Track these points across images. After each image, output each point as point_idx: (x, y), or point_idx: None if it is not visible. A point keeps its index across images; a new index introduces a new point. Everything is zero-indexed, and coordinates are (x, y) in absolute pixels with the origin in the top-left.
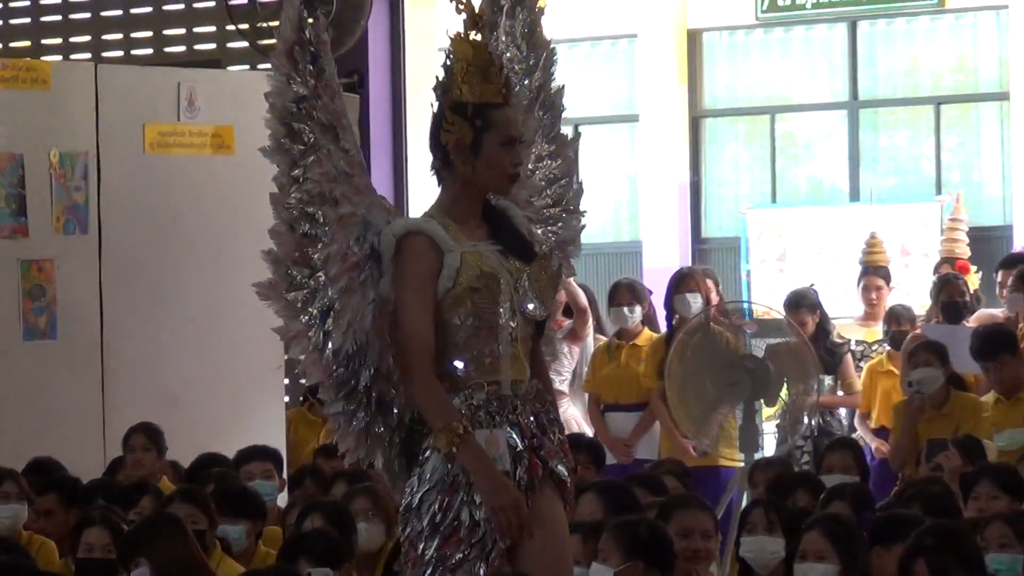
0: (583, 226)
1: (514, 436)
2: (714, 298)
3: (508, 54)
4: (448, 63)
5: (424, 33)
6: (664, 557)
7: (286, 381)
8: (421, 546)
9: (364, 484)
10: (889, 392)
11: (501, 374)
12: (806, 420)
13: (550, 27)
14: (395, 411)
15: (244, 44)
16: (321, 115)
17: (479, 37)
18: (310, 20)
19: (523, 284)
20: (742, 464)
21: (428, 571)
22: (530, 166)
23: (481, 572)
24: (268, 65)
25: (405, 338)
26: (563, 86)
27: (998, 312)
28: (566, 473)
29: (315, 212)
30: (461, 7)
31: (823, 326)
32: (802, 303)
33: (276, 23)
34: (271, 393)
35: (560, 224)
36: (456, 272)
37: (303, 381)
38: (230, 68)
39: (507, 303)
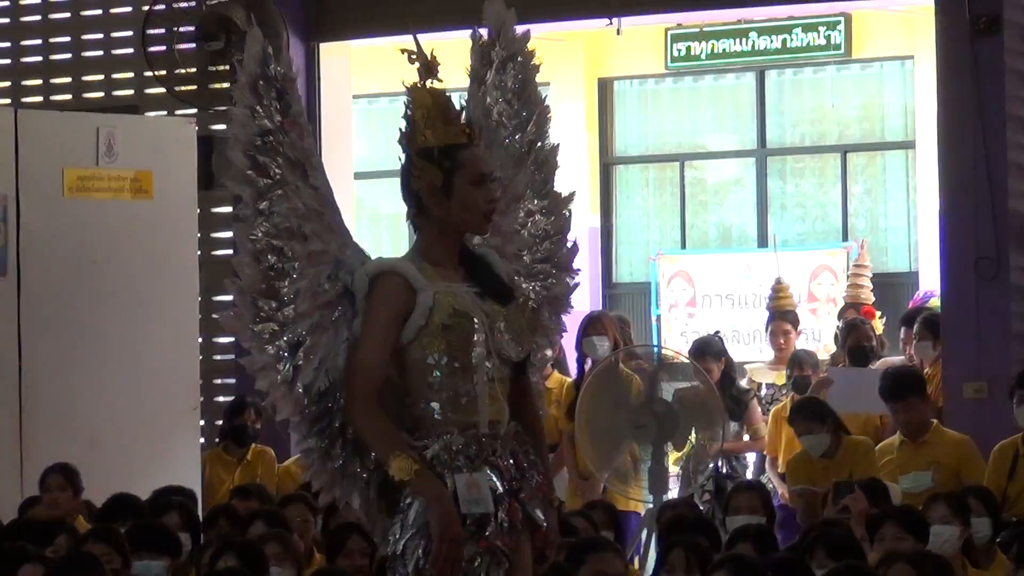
0: (577, 284)
1: (494, 479)
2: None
3: (497, 108)
4: (408, 112)
5: (339, 80)
6: None
7: (202, 422)
8: None
9: (275, 530)
10: (794, 437)
11: (478, 415)
12: (711, 464)
13: (462, 76)
14: (372, 453)
15: (162, 90)
16: (288, 151)
17: (436, 84)
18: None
19: (499, 326)
20: (650, 505)
21: None
22: (520, 220)
23: None
24: (186, 111)
25: (352, 370)
26: (557, 144)
27: (898, 359)
28: (543, 518)
29: (283, 246)
30: (413, 57)
31: (728, 373)
32: (707, 351)
33: (193, 70)
34: (187, 434)
35: (552, 280)
36: (429, 311)
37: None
38: (148, 114)
39: (481, 342)
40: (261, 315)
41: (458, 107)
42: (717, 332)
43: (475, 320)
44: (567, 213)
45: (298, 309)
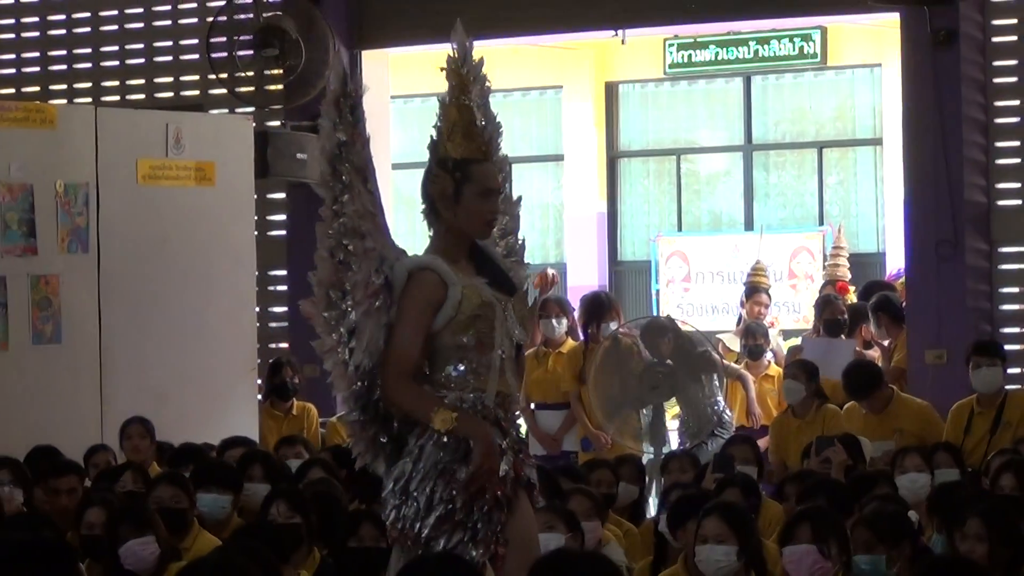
0: (528, 275)
1: (497, 437)
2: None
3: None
4: (437, 124)
5: (379, 84)
6: None
7: (259, 382)
8: (418, 525)
9: (321, 477)
10: (744, 399)
11: (488, 383)
12: (719, 407)
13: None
14: (394, 424)
15: (223, 91)
16: (355, 159)
17: (466, 101)
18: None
19: (508, 313)
20: (651, 456)
21: (425, 548)
22: None
23: (474, 553)
24: (244, 109)
25: (391, 350)
26: (507, 156)
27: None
28: (536, 477)
29: (348, 244)
30: (446, 70)
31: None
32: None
33: (251, 73)
34: (246, 391)
35: (511, 272)
36: (458, 304)
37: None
38: (211, 111)
39: (501, 327)
40: (330, 304)
41: (482, 120)
42: (667, 316)
43: (496, 309)
44: (518, 213)
45: (355, 299)
